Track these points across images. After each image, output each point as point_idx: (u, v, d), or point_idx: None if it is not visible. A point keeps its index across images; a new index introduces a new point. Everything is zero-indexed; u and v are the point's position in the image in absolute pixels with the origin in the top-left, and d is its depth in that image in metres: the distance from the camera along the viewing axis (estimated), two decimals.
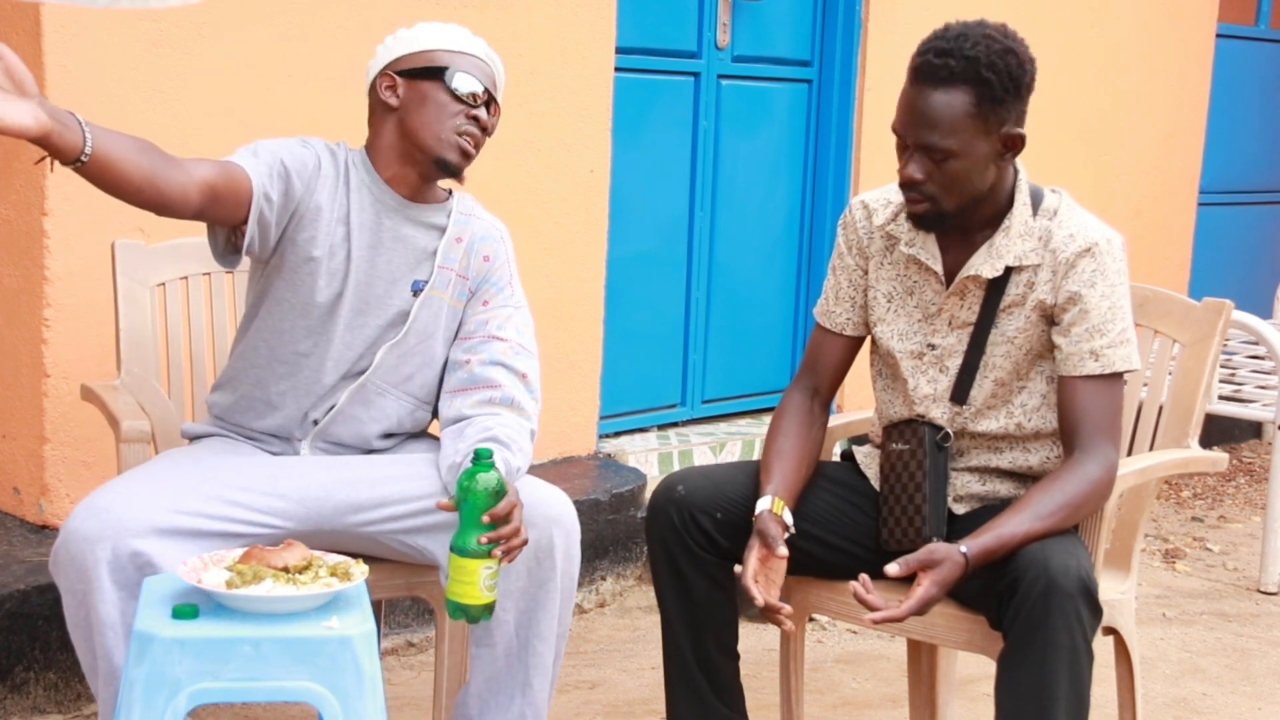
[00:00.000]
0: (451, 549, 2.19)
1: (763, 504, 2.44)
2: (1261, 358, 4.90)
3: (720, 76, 4.49)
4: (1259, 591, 4.23)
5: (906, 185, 2.38)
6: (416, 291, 2.50)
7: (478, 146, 2.50)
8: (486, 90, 2.49)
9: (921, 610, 2.26)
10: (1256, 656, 3.74)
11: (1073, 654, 2.22)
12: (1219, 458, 2.69)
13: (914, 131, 2.33)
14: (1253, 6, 6.41)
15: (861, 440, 2.77)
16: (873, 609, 2.27)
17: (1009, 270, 2.43)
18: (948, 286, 2.48)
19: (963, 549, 2.27)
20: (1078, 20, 5.33)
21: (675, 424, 4.60)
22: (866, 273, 2.57)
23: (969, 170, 2.34)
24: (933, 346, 2.50)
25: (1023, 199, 2.43)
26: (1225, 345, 5.01)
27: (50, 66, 3.00)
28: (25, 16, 3.00)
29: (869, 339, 2.63)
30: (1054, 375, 2.47)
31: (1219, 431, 5.67)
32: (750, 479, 2.53)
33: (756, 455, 4.50)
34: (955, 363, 2.49)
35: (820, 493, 2.57)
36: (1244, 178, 6.43)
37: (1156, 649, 3.74)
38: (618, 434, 4.38)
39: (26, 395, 3.15)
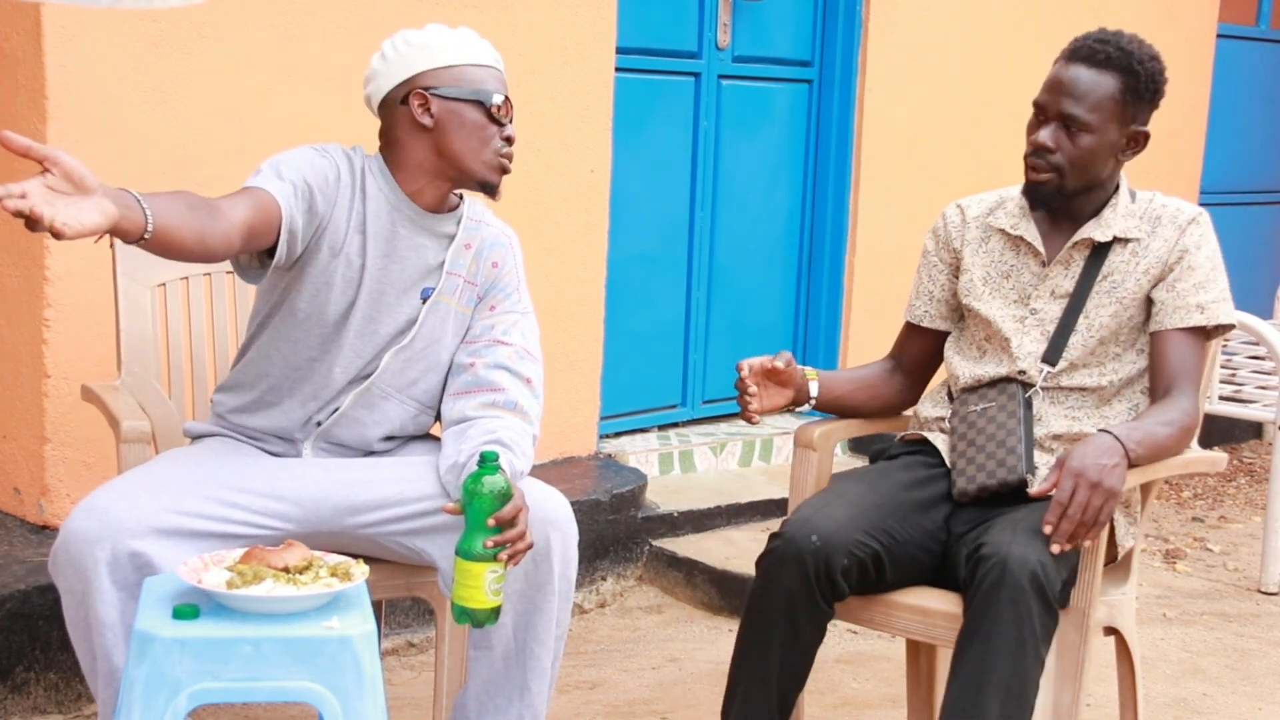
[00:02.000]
0: (456, 552, 2.18)
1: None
2: (1262, 358, 4.90)
3: (720, 76, 4.50)
4: (1259, 591, 4.23)
5: (1035, 152, 2.53)
6: (425, 298, 2.50)
7: (511, 160, 2.50)
8: (507, 99, 2.48)
9: (1099, 499, 2.26)
10: (1256, 656, 3.74)
11: (1018, 645, 2.24)
12: (1218, 457, 2.70)
13: (1059, 101, 2.51)
14: (1253, 6, 6.41)
15: (863, 443, 2.78)
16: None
17: (1113, 242, 2.57)
18: (1048, 267, 2.59)
19: (1115, 433, 2.34)
20: (1078, 20, 5.32)
21: (675, 424, 4.60)
22: (954, 267, 2.71)
23: (1096, 151, 2.52)
24: (1034, 311, 2.60)
25: (1125, 188, 2.60)
26: (1225, 345, 5.01)
27: (50, 66, 3.00)
28: (25, 16, 3.01)
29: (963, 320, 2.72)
30: (1142, 341, 2.58)
31: (1219, 431, 5.67)
32: (870, 512, 2.47)
33: (757, 456, 4.51)
34: (1054, 328, 2.58)
35: (898, 495, 2.54)
36: (1244, 178, 6.43)
37: (1157, 649, 3.74)
38: (618, 434, 4.38)
39: (26, 395, 3.15)
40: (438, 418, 2.58)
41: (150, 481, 2.29)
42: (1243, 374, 4.81)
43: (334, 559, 2.10)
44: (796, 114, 4.73)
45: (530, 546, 2.23)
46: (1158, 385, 2.53)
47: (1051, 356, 2.57)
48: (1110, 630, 2.58)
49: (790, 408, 2.70)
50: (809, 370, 2.70)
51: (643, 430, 4.48)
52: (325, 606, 2.00)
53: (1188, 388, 2.50)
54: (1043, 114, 2.53)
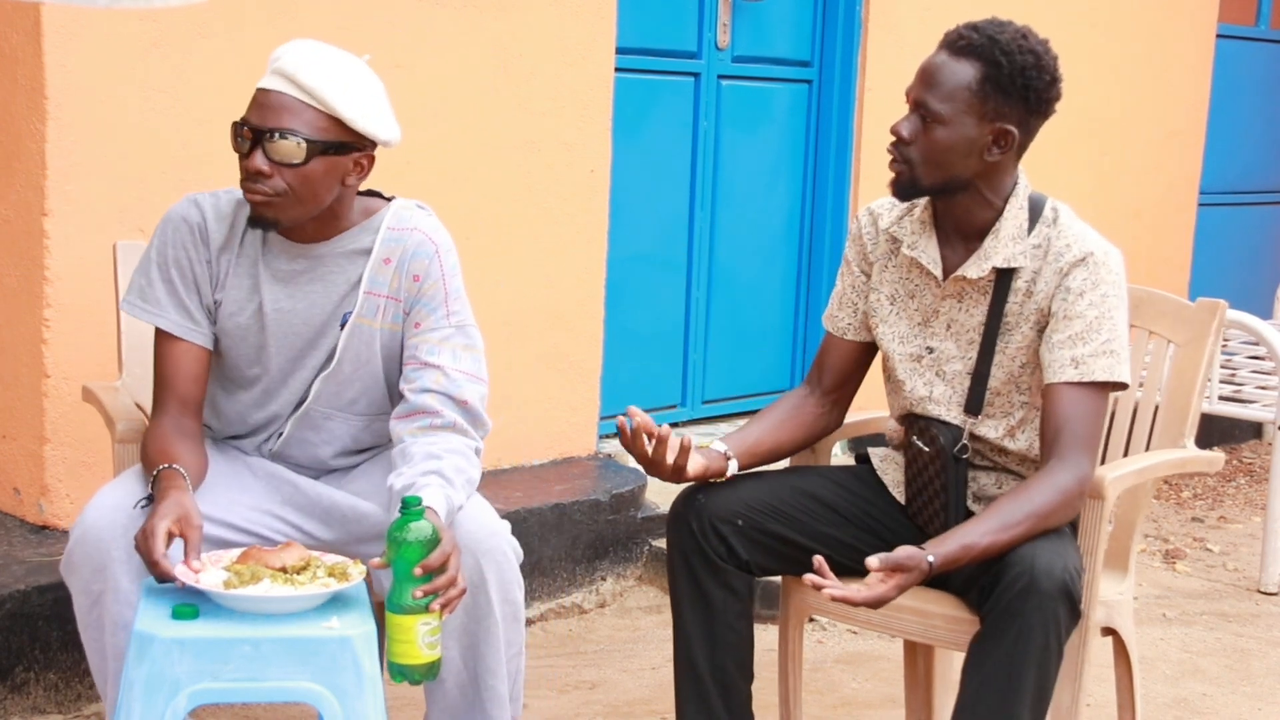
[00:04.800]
0: (386, 606, 2.05)
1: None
2: (1261, 358, 4.90)
3: (720, 77, 4.50)
4: (1259, 592, 4.23)
5: (893, 144, 2.40)
6: (345, 324, 2.39)
7: (271, 195, 2.27)
8: (256, 130, 2.27)
9: (875, 605, 2.22)
10: (1256, 656, 3.74)
11: (1044, 652, 2.23)
12: (1215, 457, 2.69)
13: (916, 88, 2.37)
14: (1253, 6, 6.41)
15: (862, 443, 2.77)
16: (830, 590, 2.20)
17: (1005, 276, 2.41)
18: (941, 300, 2.48)
19: (930, 558, 2.21)
20: (1078, 20, 5.34)
21: (675, 424, 4.59)
22: (869, 278, 2.57)
23: (951, 145, 2.34)
24: (930, 350, 2.49)
25: (1018, 203, 2.42)
26: (1225, 345, 5.01)
27: (50, 66, 3.00)
28: (25, 16, 3.01)
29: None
30: None
31: (1219, 432, 5.67)
32: (771, 487, 2.52)
33: None
34: (953, 369, 2.48)
35: (829, 492, 2.56)
36: (1244, 178, 6.43)
37: (1156, 649, 3.74)
38: (618, 434, 4.37)
39: (26, 395, 3.15)
40: None
41: None
42: (1242, 374, 4.80)
43: (332, 559, 2.11)
44: (796, 114, 4.73)
45: (463, 593, 2.10)
46: (1042, 444, 2.37)
47: (974, 406, 2.44)
48: (1108, 630, 2.58)
49: (709, 478, 2.51)
50: (714, 443, 2.54)
51: None
52: (325, 606, 2.01)
53: (1070, 452, 2.31)
54: (909, 103, 2.38)
